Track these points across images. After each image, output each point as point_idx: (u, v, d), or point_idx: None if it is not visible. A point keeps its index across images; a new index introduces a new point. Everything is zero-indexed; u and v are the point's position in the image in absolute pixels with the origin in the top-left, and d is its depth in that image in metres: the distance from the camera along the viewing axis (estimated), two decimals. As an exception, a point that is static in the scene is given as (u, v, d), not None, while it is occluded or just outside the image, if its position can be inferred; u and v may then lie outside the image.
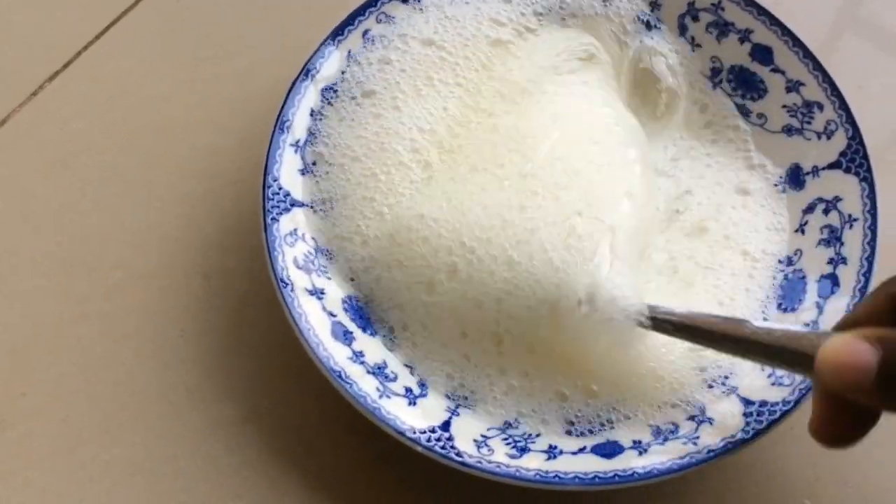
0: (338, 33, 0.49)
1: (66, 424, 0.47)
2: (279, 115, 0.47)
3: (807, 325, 0.44)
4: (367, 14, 0.50)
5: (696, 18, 0.51)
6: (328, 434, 0.46)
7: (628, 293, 0.42)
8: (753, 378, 0.43)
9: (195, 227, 0.52)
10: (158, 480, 0.45)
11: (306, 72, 0.48)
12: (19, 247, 0.51)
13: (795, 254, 0.47)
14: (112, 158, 0.53)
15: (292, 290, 0.44)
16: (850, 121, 0.47)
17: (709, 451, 0.41)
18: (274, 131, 0.47)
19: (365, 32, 0.50)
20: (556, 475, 0.40)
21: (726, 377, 0.44)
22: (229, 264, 0.51)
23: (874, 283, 0.44)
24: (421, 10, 0.51)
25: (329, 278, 0.46)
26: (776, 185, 0.48)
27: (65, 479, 0.45)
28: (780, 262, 0.47)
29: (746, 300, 0.45)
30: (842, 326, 0.35)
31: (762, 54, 0.50)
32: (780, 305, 0.45)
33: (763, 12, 0.50)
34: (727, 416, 0.42)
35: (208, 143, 0.54)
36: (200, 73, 0.56)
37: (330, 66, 0.49)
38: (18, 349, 0.48)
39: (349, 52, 0.50)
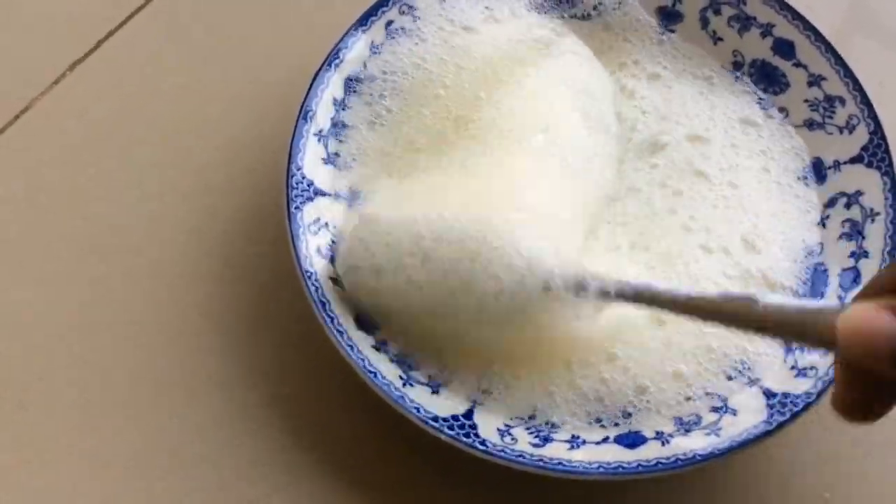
0: (362, 22, 0.50)
1: (84, 409, 0.47)
2: (303, 104, 0.47)
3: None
4: (390, 4, 0.51)
5: (717, 12, 0.51)
6: (350, 421, 0.46)
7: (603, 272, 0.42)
8: (776, 369, 0.43)
9: (216, 215, 0.52)
10: (176, 465, 0.45)
11: (330, 61, 0.48)
12: (40, 232, 0.51)
13: (817, 247, 0.47)
14: (131, 147, 0.54)
15: (316, 278, 0.44)
16: (872, 115, 0.47)
17: (732, 442, 0.41)
18: (298, 120, 0.47)
19: (389, 23, 0.51)
20: (581, 465, 0.40)
21: (749, 368, 0.44)
22: (251, 253, 0.51)
23: None
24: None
25: (352, 267, 0.46)
26: (800, 177, 0.48)
27: (81, 463, 0.45)
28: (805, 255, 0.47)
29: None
30: (861, 297, 0.35)
31: (784, 48, 0.50)
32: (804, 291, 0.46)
33: (785, 7, 0.50)
34: (750, 407, 0.42)
35: (227, 132, 0.54)
36: (220, 62, 0.56)
37: (354, 55, 0.49)
38: (38, 332, 0.48)
39: (372, 42, 0.50)
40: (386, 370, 0.43)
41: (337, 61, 0.49)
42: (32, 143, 0.54)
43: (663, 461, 0.40)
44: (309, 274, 0.44)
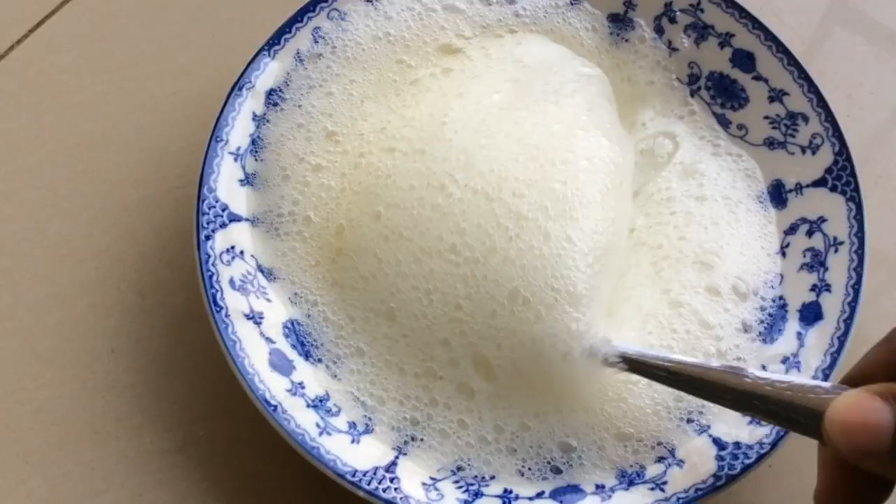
0: (273, 42, 0.45)
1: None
2: (217, 120, 0.43)
3: (786, 358, 0.40)
4: (317, 10, 0.46)
5: (673, 20, 0.47)
6: (268, 468, 0.42)
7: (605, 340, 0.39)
8: (727, 416, 0.40)
9: (130, 238, 0.48)
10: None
11: (240, 86, 0.44)
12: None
13: (776, 277, 0.43)
14: (39, 163, 0.49)
15: (227, 314, 0.40)
16: (837, 134, 0.44)
17: (678, 499, 0.37)
18: (211, 138, 0.43)
19: (315, 30, 0.46)
20: (512, 525, 0.37)
21: (699, 412, 0.40)
22: (166, 280, 0.47)
23: (860, 314, 0.40)
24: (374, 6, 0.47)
25: (269, 300, 0.42)
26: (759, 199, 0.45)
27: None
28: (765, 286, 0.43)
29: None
30: (851, 380, 0.31)
31: (743, 60, 0.46)
32: (759, 335, 0.42)
33: (746, 15, 0.46)
34: (698, 458, 0.39)
35: (145, 148, 0.50)
36: (138, 71, 0.52)
37: (269, 75, 0.45)
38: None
39: (297, 51, 0.46)
40: (301, 417, 0.39)
41: (248, 85, 0.44)
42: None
43: (602, 521, 0.37)
44: (219, 308, 0.40)
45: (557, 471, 0.39)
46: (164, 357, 0.45)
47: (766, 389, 0.32)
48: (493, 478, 0.39)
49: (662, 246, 0.43)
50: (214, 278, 0.41)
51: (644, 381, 0.40)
